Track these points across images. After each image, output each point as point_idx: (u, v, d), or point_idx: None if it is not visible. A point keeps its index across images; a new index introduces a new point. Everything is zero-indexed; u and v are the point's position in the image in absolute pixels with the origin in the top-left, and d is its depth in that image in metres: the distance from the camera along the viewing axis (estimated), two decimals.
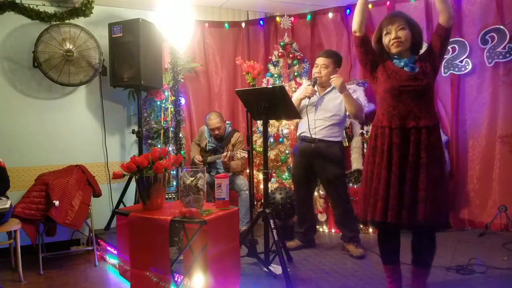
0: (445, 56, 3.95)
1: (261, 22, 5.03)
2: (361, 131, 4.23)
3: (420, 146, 2.23)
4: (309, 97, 3.23)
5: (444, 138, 3.90)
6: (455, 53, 4.02)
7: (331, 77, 3.17)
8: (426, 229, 2.27)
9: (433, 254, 2.41)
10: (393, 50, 2.32)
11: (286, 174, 4.39)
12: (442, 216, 2.24)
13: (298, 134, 3.53)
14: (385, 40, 2.35)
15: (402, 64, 2.33)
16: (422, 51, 2.41)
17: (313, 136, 3.33)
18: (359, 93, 4.18)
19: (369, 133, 4.20)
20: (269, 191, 4.02)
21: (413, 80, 2.28)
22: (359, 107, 3.26)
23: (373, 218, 2.27)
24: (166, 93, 4.39)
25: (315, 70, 3.39)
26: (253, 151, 4.19)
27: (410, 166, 2.21)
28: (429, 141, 2.23)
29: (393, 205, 2.21)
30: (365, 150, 4.23)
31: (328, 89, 3.39)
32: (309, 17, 4.81)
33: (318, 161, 3.36)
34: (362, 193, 2.43)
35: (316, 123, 3.34)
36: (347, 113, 3.33)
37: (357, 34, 2.45)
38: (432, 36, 2.36)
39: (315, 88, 3.32)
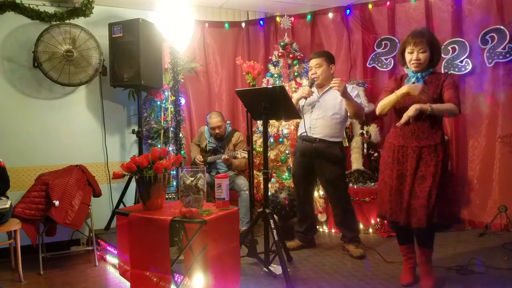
0: (445, 56, 4.01)
1: (261, 22, 5.03)
2: (361, 131, 4.23)
3: (420, 161, 2.52)
4: (305, 98, 3.23)
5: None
6: (455, 53, 4.02)
7: (333, 80, 3.11)
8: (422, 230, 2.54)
9: (433, 237, 2.65)
10: (413, 69, 2.59)
11: (286, 174, 4.39)
12: (442, 217, 2.53)
13: (298, 134, 3.54)
14: (407, 57, 2.60)
15: (412, 80, 2.58)
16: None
17: (313, 136, 3.33)
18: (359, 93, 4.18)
19: (369, 133, 4.21)
20: (274, 191, 4.03)
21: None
22: (359, 108, 3.25)
23: (385, 215, 2.64)
24: (166, 93, 4.39)
25: (310, 73, 3.40)
26: (253, 151, 4.19)
27: (409, 179, 2.52)
28: (429, 157, 2.51)
29: (395, 209, 2.57)
30: (365, 150, 4.24)
31: (327, 88, 3.39)
32: (309, 17, 4.81)
33: (318, 161, 3.36)
34: (379, 193, 2.79)
35: (316, 123, 3.34)
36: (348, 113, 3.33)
37: (378, 114, 2.74)
38: (444, 88, 2.52)
39: (313, 88, 3.32)
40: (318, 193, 4.09)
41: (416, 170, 2.51)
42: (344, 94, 3.12)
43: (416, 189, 2.50)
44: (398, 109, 2.60)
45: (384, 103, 2.61)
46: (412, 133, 2.55)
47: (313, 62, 3.37)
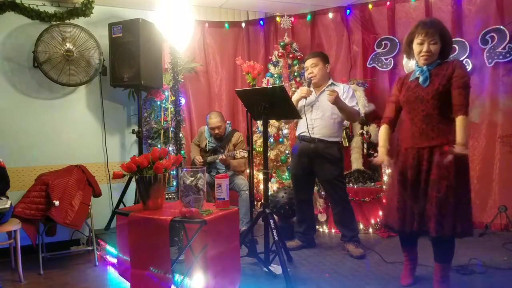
0: None
1: (261, 22, 5.03)
2: (361, 131, 4.23)
3: (433, 164, 2.34)
4: (305, 98, 3.24)
5: None
6: (455, 53, 4.02)
7: (327, 90, 3.13)
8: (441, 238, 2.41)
9: (451, 251, 2.51)
10: (421, 62, 2.42)
11: (286, 174, 4.39)
12: (456, 227, 2.34)
13: (297, 134, 3.54)
14: (416, 48, 2.43)
15: (417, 74, 2.44)
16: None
17: (312, 136, 3.33)
18: (359, 93, 4.19)
19: (369, 133, 4.21)
20: (273, 191, 4.02)
21: (421, 102, 2.39)
22: (352, 114, 3.27)
23: (393, 226, 2.53)
24: (166, 93, 4.39)
25: (307, 73, 3.41)
26: (253, 151, 4.19)
27: (423, 183, 2.37)
28: (442, 158, 2.31)
29: (404, 218, 2.44)
30: (365, 150, 4.24)
31: (323, 88, 3.40)
32: (309, 17, 4.82)
33: (317, 161, 3.36)
34: (386, 201, 2.73)
35: (314, 123, 3.35)
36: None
37: None
38: (453, 85, 2.36)
39: (311, 88, 3.33)
40: (318, 193, 4.09)
41: (429, 173, 2.35)
42: (336, 103, 3.13)
43: (429, 195, 2.33)
44: (405, 101, 2.48)
45: (381, 136, 2.61)
46: (421, 133, 2.39)
47: (309, 62, 3.39)
